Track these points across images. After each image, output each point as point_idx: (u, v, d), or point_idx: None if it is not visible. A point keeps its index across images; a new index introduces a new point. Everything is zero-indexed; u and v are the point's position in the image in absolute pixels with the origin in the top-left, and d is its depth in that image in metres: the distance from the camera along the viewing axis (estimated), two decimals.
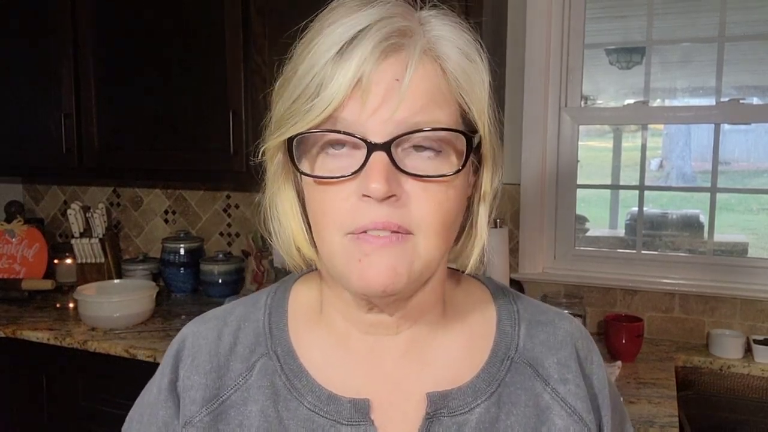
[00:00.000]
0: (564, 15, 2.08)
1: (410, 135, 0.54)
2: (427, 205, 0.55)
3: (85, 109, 2.26)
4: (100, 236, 2.50)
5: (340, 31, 0.54)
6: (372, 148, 0.54)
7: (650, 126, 2.34)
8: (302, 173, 0.58)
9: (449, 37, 0.57)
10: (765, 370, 1.79)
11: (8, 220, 2.56)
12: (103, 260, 2.50)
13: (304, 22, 0.60)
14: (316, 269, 0.69)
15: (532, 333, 0.68)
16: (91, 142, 2.27)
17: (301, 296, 0.70)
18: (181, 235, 2.50)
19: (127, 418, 0.73)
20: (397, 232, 0.55)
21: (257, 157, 0.63)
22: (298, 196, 0.63)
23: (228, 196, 2.54)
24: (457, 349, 0.66)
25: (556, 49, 2.09)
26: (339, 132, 0.55)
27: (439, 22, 0.58)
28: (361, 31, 0.54)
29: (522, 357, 0.67)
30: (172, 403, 0.66)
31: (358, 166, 0.54)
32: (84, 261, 2.49)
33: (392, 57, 0.54)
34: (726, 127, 2.16)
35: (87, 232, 2.51)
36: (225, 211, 2.55)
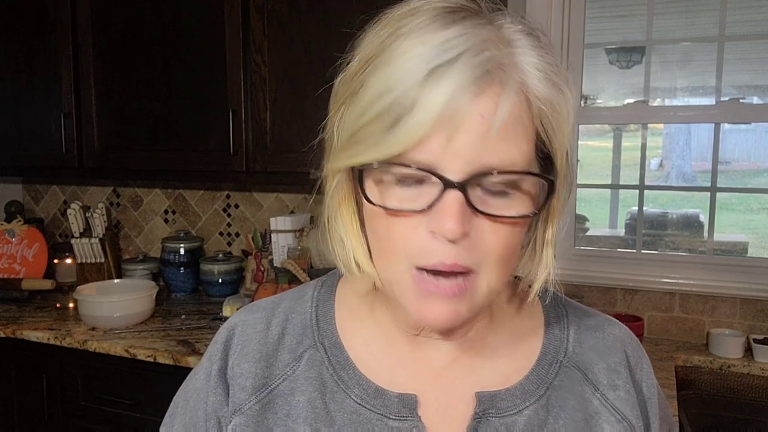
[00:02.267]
0: (564, 14, 2.08)
1: (492, 177, 0.51)
2: (495, 244, 0.54)
3: (85, 109, 2.27)
4: (100, 236, 2.50)
5: (428, 53, 0.50)
6: (447, 185, 0.51)
7: (650, 125, 2.34)
8: (371, 202, 0.54)
9: (539, 65, 0.53)
10: (765, 370, 1.79)
11: (8, 220, 2.56)
12: (103, 260, 2.50)
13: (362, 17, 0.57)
14: None
15: (581, 337, 0.68)
16: (90, 142, 2.27)
17: (349, 290, 0.69)
18: (181, 234, 2.50)
19: (171, 404, 0.73)
20: (462, 274, 0.54)
21: (318, 169, 0.61)
22: (358, 211, 0.61)
23: (228, 196, 2.54)
24: (505, 349, 0.66)
25: (556, 48, 2.09)
26: (417, 168, 0.51)
27: (527, 44, 0.54)
28: (452, 58, 0.49)
29: (571, 361, 0.66)
30: (222, 390, 0.66)
31: (431, 201, 0.52)
32: (84, 261, 2.49)
33: (485, 92, 0.50)
34: (726, 126, 2.17)
35: (87, 232, 2.51)
36: (225, 210, 2.56)
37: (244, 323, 0.69)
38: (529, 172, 0.53)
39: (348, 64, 0.57)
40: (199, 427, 0.67)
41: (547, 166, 0.56)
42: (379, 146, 0.51)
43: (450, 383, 0.64)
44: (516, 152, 0.52)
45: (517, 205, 0.54)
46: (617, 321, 0.72)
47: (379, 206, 0.54)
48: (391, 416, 0.61)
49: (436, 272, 0.53)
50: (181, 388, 0.73)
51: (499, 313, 0.67)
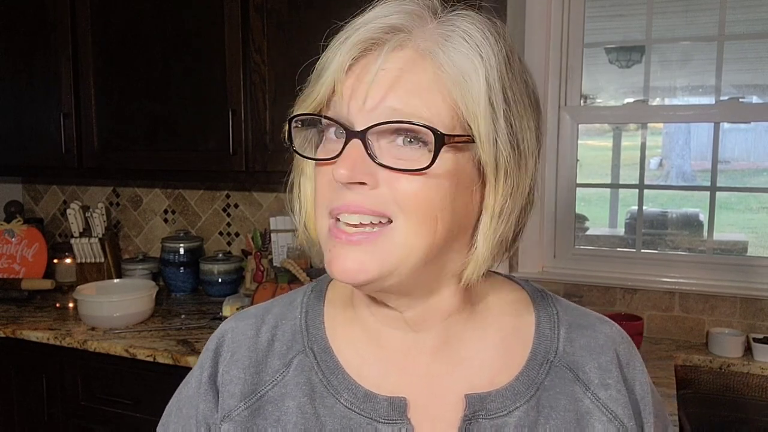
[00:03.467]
0: (563, 14, 2.08)
1: (382, 125, 0.55)
2: (405, 192, 0.55)
3: (85, 109, 2.26)
4: (100, 236, 2.50)
5: (350, 25, 0.58)
6: (350, 135, 0.56)
7: (650, 125, 2.34)
8: (295, 151, 0.62)
9: (455, 37, 0.56)
10: (764, 369, 1.79)
11: (8, 220, 2.56)
12: (102, 260, 2.50)
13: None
14: None
15: (572, 337, 0.68)
16: (90, 142, 2.27)
17: (336, 294, 0.71)
18: (181, 234, 2.50)
19: (165, 412, 0.74)
20: (373, 224, 0.56)
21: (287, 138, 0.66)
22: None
23: (227, 196, 2.54)
24: (493, 349, 0.66)
25: (556, 47, 2.09)
26: (322, 117, 0.58)
27: (456, 20, 0.57)
28: (364, 20, 0.57)
29: (562, 361, 0.66)
30: (212, 397, 0.67)
31: (338, 151, 0.56)
32: (83, 261, 2.49)
33: (386, 49, 0.56)
34: (725, 126, 2.17)
35: (86, 232, 2.51)
36: (224, 210, 2.56)
37: (234, 330, 0.70)
38: (417, 123, 0.54)
39: None
40: None
41: (439, 139, 0.55)
42: (302, 104, 0.60)
43: (439, 385, 0.64)
44: (421, 108, 0.55)
45: (422, 158, 0.55)
46: (608, 319, 0.72)
47: (300, 154, 0.62)
48: (380, 420, 0.62)
49: (348, 224, 0.56)
50: (174, 395, 0.74)
51: (483, 310, 0.67)
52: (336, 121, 0.57)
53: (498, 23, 0.59)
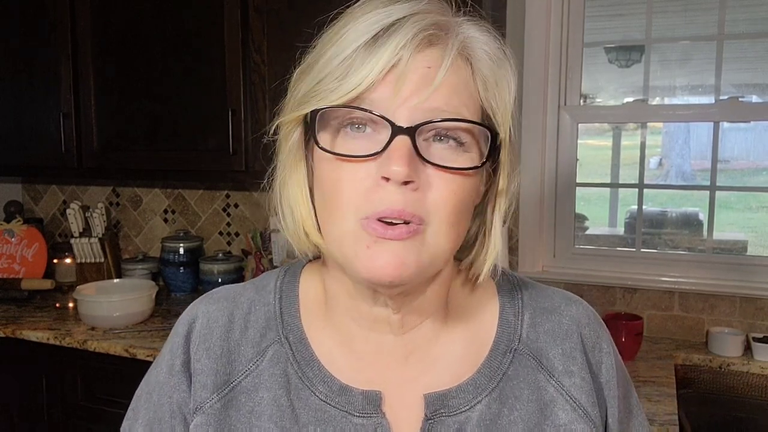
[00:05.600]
0: (563, 13, 2.08)
1: (437, 123, 0.55)
2: (443, 195, 0.55)
3: (85, 108, 2.26)
4: (100, 236, 2.50)
5: (375, 20, 0.55)
6: (397, 131, 0.53)
7: (649, 124, 2.34)
8: (322, 148, 0.56)
9: (482, 40, 0.59)
10: (764, 368, 1.79)
11: (8, 220, 2.56)
12: (102, 260, 2.50)
13: (331, 13, 0.61)
14: (320, 259, 0.68)
15: (536, 322, 0.67)
16: (90, 142, 2.27)
17: (310, 287, 0.69)
18: (181, 234, 2.50)
19: (134, 397, 0.72)
20: (410, 222, 0.54)
21: (271, 134, 0.63)
22: (309, 179, 0.62)
23: (227, 196, 2.54)
24: (460, 346, 0.66)
25: (555, 47, 2.09)
26: (367, 111, 0.54)
27: (472, 25, 0.59)
28: (398, 20, 0.54)
29: (526, 347, 0.66)
30: (186, 386, 0.65)
31: (380, 148, 0.54)
32: (83, 260, 2.49)
33: (427, 48, 0.55)
34: (725, 125, 2.16)
35: (86, 232, 2.51)
36: (224, 210, 2.56)
37: (204, 314, 0.68)
38: (475, 122, 0.56)
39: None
40: (164, 423, 0.66)
41: (493, 139, 0.58)
42: (329, 96, 0.55)
43: (406, 385, 0.64)
44: (463, 108, 0.56)
45: (463, 159, 0.56)
46: (577, 298, 0.71)
47: (331, 152, 0.56)
48: (355, 413, 0.61)
49: (385, 223, 0.54)
50: (143, 380, 0.72)
51: (454, 310, 0.67)
52: (383, 117, 0.54)
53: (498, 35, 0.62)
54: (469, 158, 0.57)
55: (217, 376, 0.64)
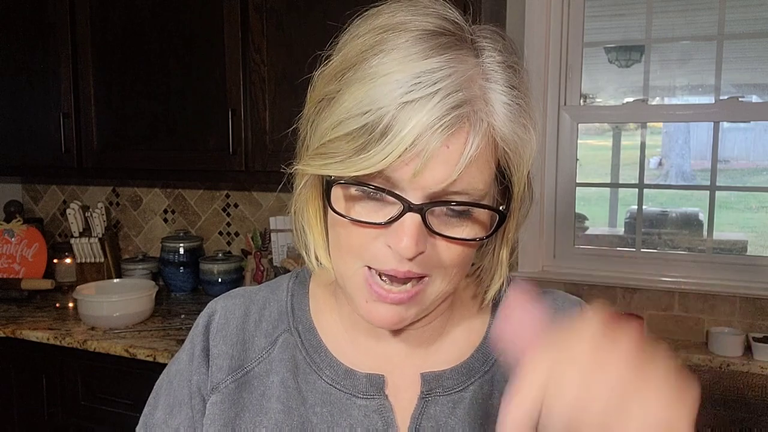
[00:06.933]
0: (563, 13, 2.08)
1: (445, 204, 0.55)
2: (450, 257, 0.57)
3: (84, 108, 2.26)
4: (100, 236, 2.50)
5: (403, 80, 0.52)
6: (408, 207, 0.54)
7: (649, 124, 2.34)
8: (335, 211, 0.57)
9: (509, 106, 0.55)
10: (764, 368, 1.79)
11: (7, 220, 2.56)
12: (102, 260, 2.50)
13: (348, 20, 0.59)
14: None
15: None
16: (90, 142, 2.27)
17: (320, 284, 0.73)
18: (181, 234, 2.50)
19: (155, 388, 0.75)
20: (413, 279, 0.57)
21: (290, 167, 0.64)
22: (323, 211, 0.65)
23: (227, 195, 2.54)
24: (458, 334, 0.70)
25: (555, 47, 2.09)
26: (382, 190, 0.54)
27: (502, 79, 0.56)
28: (428, 94, 0.51)
29: None
30: (205, 369, 0.69)
31: (390, 217, 0.55)
32: (83, 260, 2.49)
33: (454, 131, 0.52)
34: (725, 125, 2.17)
35: (86, 232, 2.51)
36: (224, 210, 2.56)
37: (223, 308, 0.73)
38: (485, 205, 0.57)
39: (329, 60, 0.59)
40: (183, 405, 0.70)
41: (504, 195, 0.61)
42: (347, 165, 0.54)
43: (408, 367, 0.67)
44: (476, 183, 0.55)
45: (470, 229, 0.57)
46: (559, 292, 0.75)
47: (343, 216, 0.57)
48: (359, 395, 0.65)
49: (389, 276, 0.57)
50: (163, 372, 0.75)
51: (459, 308, 0.71)
52: (396, 195, 0.54)
53: (516, 52, 0.59)
54: (475, 227, 0.58)
55: (232, 360, 0.69)
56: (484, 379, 0.67)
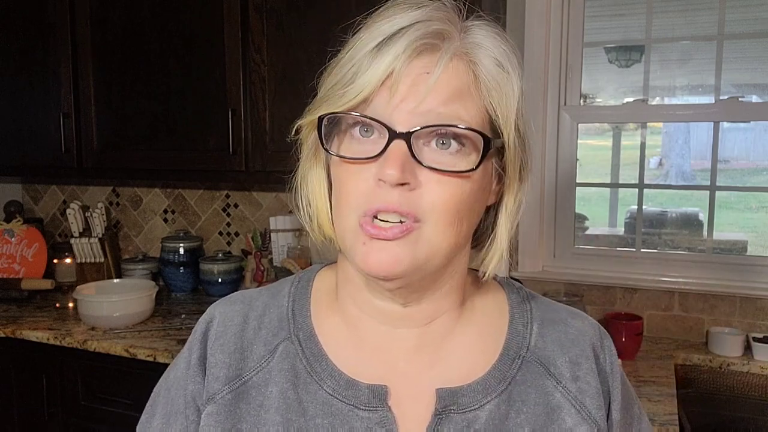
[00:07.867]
0: (563, 13, 2.08)
1: (429, 128, 0.57)
2: (439, 195, 0.58)
3: (84, 108, 2.26)
4: (100, 236, 2.50)
5: (383, 29, 0.58)
6: (393, 135, 0.57)
7: (649, 124, 2.34)
8: (327, 151, 0.61)
9: (486, 46, 0.60)
10: (764, 368, 1.79)
11: (7, 220, 2.56)
12: (102, 260, 2.50)
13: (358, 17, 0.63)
14: (335, 263, 0.72)
15: (543, 332, 0.70)
16: (90, 142, 2.27)
17: (323, 284, 0.73)
18: (181, 234, 2.50)
19: (153, 394, 0.74)
20: (406, 221, 0.57)
21: (293, 135, 0.67)
22: (328, 177, 0.66)
23: (227, 195, 2.54)
24: (470, 346, 0.68)
25: (555, 47, 2.09)
26: (365, 117, 0.58)
27: (480, 30, 0.61)
28: (401, 29, 0.57)
29: (533, 356, 0.68)
30: (201, 378, 0.68)
31: (379, 150, 0.57)
32: (83, 260, 2.49)
33: (425, 56, 0.58)
34: (725, 125, 2.17)
35: (86, 232, 2.51)
36: (224, 210, 2.56)
37: (222, 315, 0.72)
38: (469, 128, 0.58)
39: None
40: (179, 414, 0.69)
41: (487, 144, 0.60)
42: (336, 102, 0.59)
43: (414, 379, 0.65)
44: (462, 112, 0.58)
45: (463, 161, 0.58)
46: (581, 313, 0.74)
47: (334, 155, 0.61)
48: (361, 407, 0.63)
49: (382, 221, 0.58)
50: (161, 378, 0.75)
51: (468, 308, 0.69)
52: (379, 122, 0.57)
53: (508, 38, 0.63)
54: (467, 160, 0.59)
55: (229, 370, 0.67)
56: (501, 398, 0.65)
